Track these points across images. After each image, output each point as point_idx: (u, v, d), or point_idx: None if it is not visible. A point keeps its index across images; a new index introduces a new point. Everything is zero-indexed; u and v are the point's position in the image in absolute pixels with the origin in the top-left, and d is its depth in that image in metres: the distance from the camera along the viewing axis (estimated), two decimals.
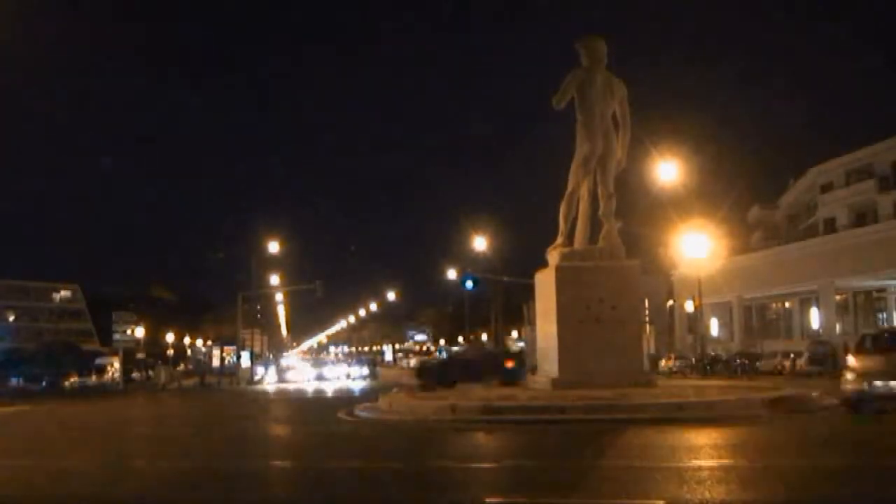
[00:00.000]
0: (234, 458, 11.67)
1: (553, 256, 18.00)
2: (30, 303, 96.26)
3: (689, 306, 46.12)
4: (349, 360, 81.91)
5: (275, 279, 55.92)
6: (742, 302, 50.62)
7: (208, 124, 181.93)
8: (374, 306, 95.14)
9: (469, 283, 44.86)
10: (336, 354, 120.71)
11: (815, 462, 9.48)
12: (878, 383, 13.78)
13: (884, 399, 13.61)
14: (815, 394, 16.50)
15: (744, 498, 7.61)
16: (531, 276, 19.87)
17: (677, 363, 41.99)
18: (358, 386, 38.25)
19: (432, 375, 27.30)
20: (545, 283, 17.92)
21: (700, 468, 9.46)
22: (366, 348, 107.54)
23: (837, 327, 41.87)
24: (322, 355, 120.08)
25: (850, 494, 7.33)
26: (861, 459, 9.43)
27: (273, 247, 47.71)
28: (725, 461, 9.55)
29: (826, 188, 53.44)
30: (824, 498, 7.30)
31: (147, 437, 16.46)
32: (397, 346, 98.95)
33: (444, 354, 62.64)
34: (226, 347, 60.26)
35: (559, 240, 18.04)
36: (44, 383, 37.05)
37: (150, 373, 48.30)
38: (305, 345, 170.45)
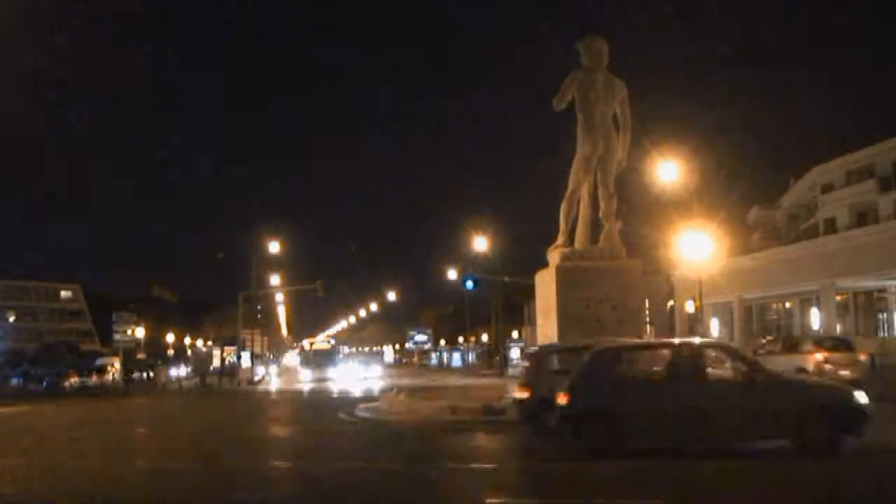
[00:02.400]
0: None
1: (553, 256, 17.98)
2: (30, 303, 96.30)
3: (690, 307, 45.99)
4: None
5: (275, 279, 55.83)
6: (743, 302, 50.49)
7: (208, 123, 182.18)
8: (374, 307, 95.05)
9: (469, 283, 44.73)
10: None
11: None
12: None
13: None
14: None
15: (743, 498, 7.61)
16: (531, 276, 19.83)
17: None
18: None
19: None
20: (545, 284, 17.89)
21: (700, 469, 9.46)
22: (366, 349, 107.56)
23: (838, 328, 41.80)
24: None
25: None
26: None
27: (274, 247, 47.53)
28: (724, 461, 9.55)
29: (826, 188, 53.34)
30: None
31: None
32: (396, 346, 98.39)
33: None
34: (226, 348, 60.16)
35: (560, 240, 18.01)
36: (44, 384, 37.04)
37: (151, 373, 48.31)
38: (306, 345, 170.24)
